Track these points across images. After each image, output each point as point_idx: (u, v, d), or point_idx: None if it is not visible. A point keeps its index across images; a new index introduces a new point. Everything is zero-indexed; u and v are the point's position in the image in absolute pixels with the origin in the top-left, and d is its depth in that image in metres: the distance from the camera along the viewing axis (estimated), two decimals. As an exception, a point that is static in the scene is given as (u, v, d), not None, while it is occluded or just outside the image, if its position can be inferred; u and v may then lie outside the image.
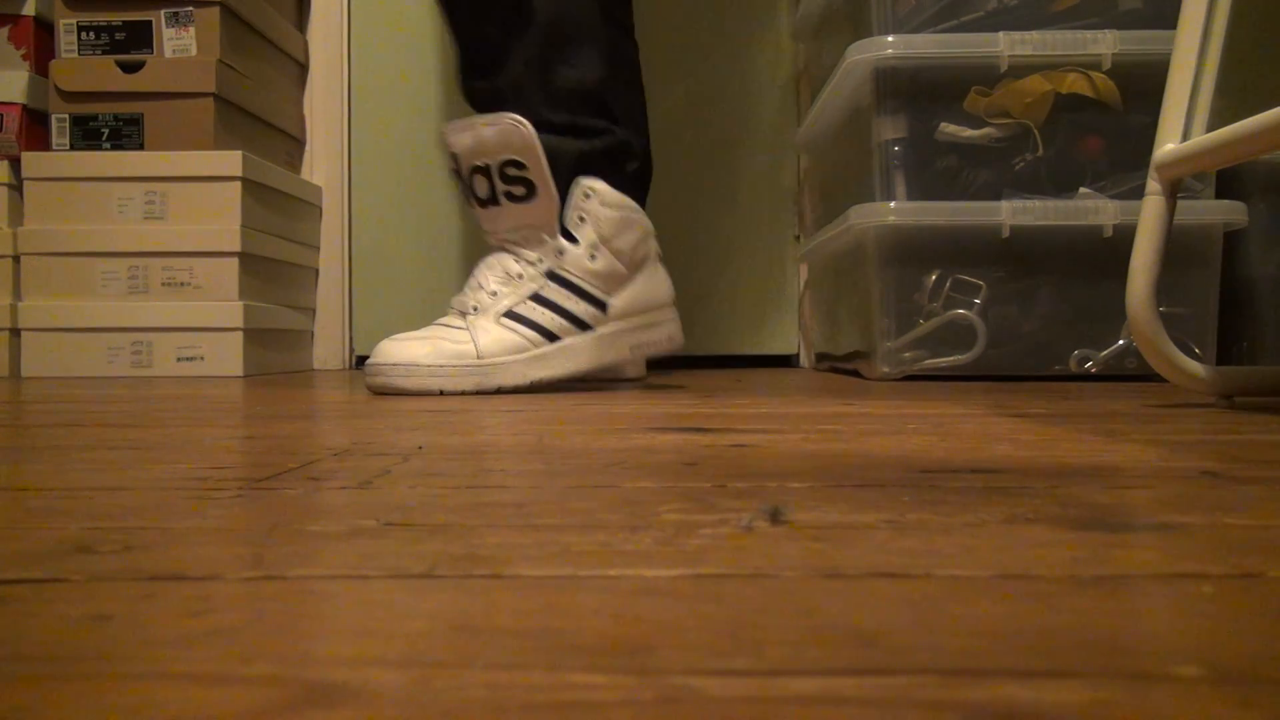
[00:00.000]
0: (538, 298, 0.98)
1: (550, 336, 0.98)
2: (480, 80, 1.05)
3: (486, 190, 0.98)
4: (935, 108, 1.21)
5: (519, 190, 0.97)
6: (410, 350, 0.94)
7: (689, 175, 1.72)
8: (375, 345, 0.99)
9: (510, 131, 0.95)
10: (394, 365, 0.94)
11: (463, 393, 0.94)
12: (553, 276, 0.98)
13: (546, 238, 0.98)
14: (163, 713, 0.16)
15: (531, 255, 0.98)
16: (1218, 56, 0.75)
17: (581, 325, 0.99)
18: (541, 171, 0.96)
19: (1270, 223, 1.26)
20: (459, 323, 0.98)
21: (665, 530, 0.29)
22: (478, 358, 0.95)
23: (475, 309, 0.98)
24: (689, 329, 1.39)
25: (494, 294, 0.98)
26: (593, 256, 0.98)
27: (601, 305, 1.00)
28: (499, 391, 0.96)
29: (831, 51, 1.45)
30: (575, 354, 0.99)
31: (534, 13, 1.02)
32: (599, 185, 0.99)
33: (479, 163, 0.98)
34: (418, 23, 1.74)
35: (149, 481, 0.39)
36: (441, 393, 0.94)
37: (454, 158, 1.00)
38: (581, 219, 0.99)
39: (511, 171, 0.97)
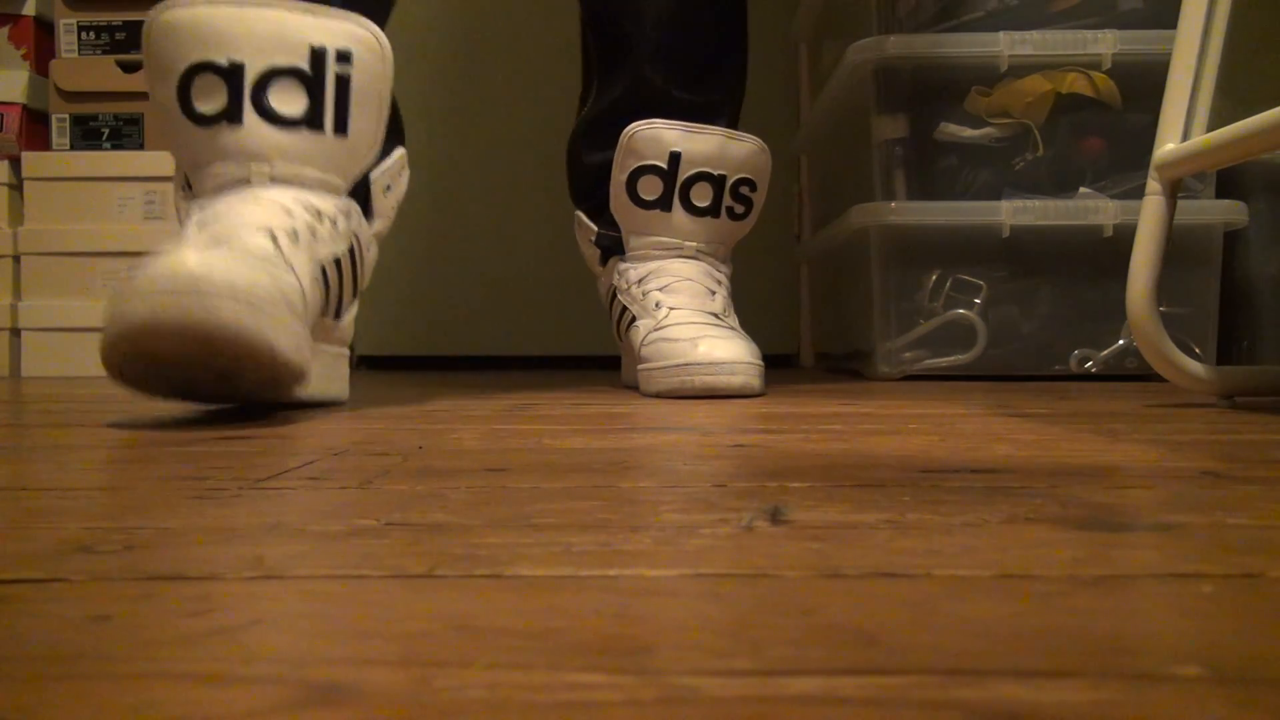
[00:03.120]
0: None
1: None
2: None
3: None
4: (935, 108, 1.21)
5: None
6: None
7: (689, 175, 1.72)
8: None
9: None
10: None
11: None
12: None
13: None
14: (163, 713, 0.16)
15: None
16: (1218, 56, 0.75)
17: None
18: None
19: (1270, 223, 1.26)
20: None
21: (665, 530, 0.29)
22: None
23: None
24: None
25: None
26: None
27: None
28: None
29: (831, 51, 1.45)
30: None
31: None
32: None
33: None
34: (418, 23, 1.74)
35: (149, 481, 0.39)
36: None
37: None
38: None
39: None
